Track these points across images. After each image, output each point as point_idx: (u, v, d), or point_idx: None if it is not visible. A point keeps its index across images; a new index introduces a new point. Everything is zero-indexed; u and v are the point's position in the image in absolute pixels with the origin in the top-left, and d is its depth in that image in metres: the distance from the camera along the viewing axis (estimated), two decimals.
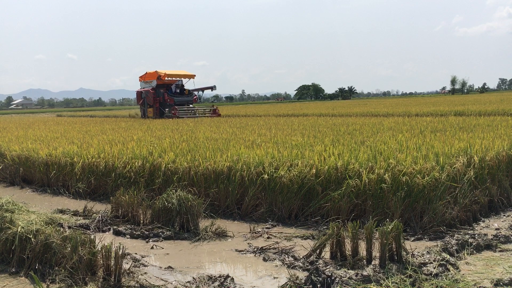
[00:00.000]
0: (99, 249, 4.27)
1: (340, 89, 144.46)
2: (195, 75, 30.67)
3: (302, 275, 4.23)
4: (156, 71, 29.49)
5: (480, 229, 5.60)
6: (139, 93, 30.17)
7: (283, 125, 14.69)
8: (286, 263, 4.60)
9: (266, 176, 6.43)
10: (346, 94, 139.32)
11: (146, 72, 30.29)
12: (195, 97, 30.26)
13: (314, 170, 6.23)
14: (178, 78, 30.09)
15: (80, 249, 4.28)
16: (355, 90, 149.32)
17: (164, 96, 28.81)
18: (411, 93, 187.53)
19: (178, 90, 29.65)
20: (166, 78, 29.47)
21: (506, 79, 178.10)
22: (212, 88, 30.74)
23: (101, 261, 4.26)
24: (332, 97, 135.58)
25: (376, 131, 11.11)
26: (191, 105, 29.54)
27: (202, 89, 31.28)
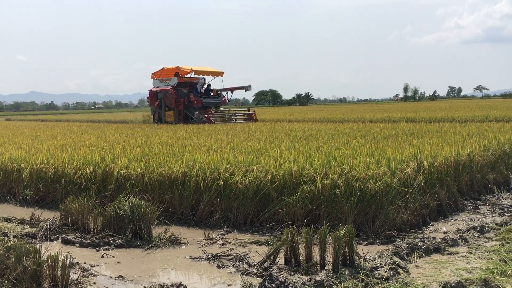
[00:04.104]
0: (45, 259, 4.10)
1: (297, 95, 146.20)
2: (223, 72, 25.72)
3: (256, 281, 4.21)
4: (177, 67, 24.82)
5: (429, 232, 5.76)
6: (153, 93, 25.15)
7: (240, 130, 14.67)
8: (241, 270, 4.57)
9: (221, 182, 6.38)
10: (303, 100, 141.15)
11: (163, 68, 25.51)
12: (224, 98, 25.54)
13: (269, 176, 6.24)
14: (202, 76, 25.46)
15: (24, 259, 4.09)
16: (312, 96, 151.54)
17: (190, 97, 23.94)
18: (366, 100, 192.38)
19: (202, 90, 25.19)
20: (191, 75, 25.04)
21: (455, 87, 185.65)
22: (246, 88, 25.67)
23: (47, 272, 4.09)
24: (289, 103, 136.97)
25: (332, 136, 11.28)
26: (221, 108, 25.68)
27: (232, 89, 25.97)
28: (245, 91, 26.00)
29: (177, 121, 23.72)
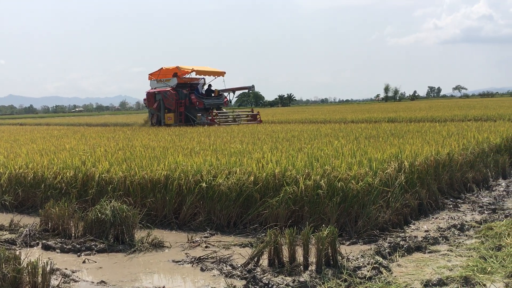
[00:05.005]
0: (25, 266, 4.03)
1: (279, 96, 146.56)
2: (225, 72, 24.68)
3: (239, 284, 4.20)
4: (177, 67, 23.65)
5: (411, 231, 5.83)
6: (151, 95, 23.84)
7: (222, 132, 14.64)
8: (224, 272, 4.55)
9: (204, 185, 6.36)
10: (285, 101, 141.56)
11: (161, 68, 24.43)
12: (226, 99, 24.48)
13: (252, 178, 6.23)
14: (202, 76, 24.37)
15: (3, 266, 4.01)
16: (294, 97, 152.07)
17: (191, 98, 22.83)
18: (347, 100, 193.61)
19: (203, 91, 24.15)
20: (190, 75, 23.97)
21: (434, 87, 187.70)
22: (250, 88, 25.00)
23: (27, 279, 4.02)
24: (272, 104, 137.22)
25: (314, 137, 11.33)
26: (223, 109, 24.41)
27: (234, 90, 24.87)
28: (248, 91, 24.40)
29: (177, 123, 22.43)
